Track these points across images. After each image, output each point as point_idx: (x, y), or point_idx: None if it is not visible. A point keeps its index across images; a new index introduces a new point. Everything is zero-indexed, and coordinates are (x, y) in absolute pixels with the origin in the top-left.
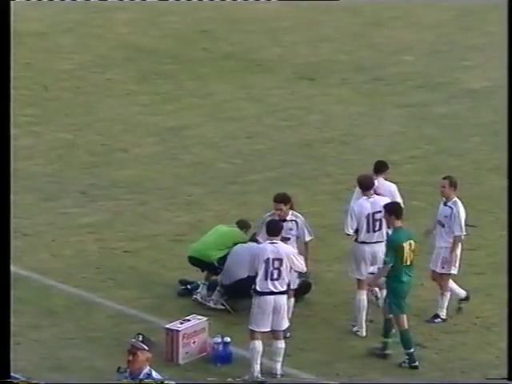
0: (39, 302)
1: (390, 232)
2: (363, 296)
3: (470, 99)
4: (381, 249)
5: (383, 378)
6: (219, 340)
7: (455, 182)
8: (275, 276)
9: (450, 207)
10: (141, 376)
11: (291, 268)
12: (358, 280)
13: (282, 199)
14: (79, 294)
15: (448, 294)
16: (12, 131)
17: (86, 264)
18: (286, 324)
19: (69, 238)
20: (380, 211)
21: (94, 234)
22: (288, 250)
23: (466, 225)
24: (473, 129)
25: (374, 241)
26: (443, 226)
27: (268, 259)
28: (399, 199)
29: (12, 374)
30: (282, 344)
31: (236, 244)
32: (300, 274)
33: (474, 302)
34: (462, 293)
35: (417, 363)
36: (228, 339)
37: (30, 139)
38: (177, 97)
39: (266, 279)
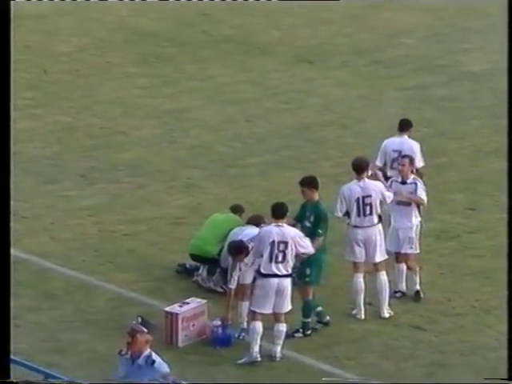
0: (38, 285)
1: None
2: (360, 279)
3: (470, 82)
4: (373, 232)
5: (381, 360)
6: (218, 323)
7: (414, 159)
8: (280, 259)
9: (413, 183)
10: (141, 358)
11: (297, 251)
12: (354, 263)
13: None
14: (78, 277)
15: (418, 269)
16: (11, 114)
17: (86, 247)
18: (288, 307)
19: (68, 220)
20: (370, 195)
21: (93, 216)
22: (293, 233)
23: (466, 208)
24: (472, 111)
25: (366, 225)
26: (409, 204)
27: (273, 242)
28: (420, 159)
29: (12, 357)
30: (283, 327)
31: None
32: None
33: (474, 284)
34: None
35: (310, 332)
36: (227, 323)
37: (29, 122)
38: (176, 80)
39: (271, 262)
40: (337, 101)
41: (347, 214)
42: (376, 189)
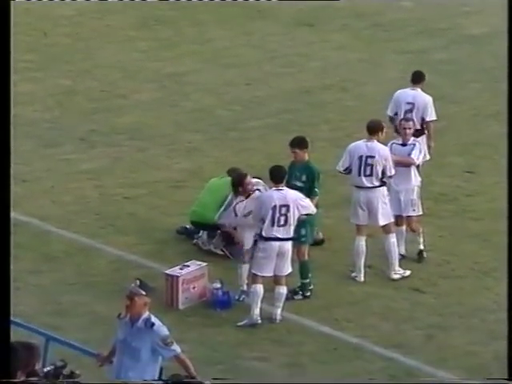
0: (39, 248)
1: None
2: (362, 242)
3: (470, 45)
4: (375, 195)
5: (381, 322)
6: (218, 285)
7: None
8: (282, 222)
9: (413, 144)
10: (140, 321)
11: (299, 213)
12: (357, 225)
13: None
14: (79, 240)
15: (421, 230)
16: (11, 77)
17: (86, 210)
18: (288, 269)
19: (68, 184)
20: (374, 157)
21: (93, 180)
22: (295, 196)
23: (465, 171)
24: (472, 75)
25: (366, 186)
26: (407, 165)
27: (275, 206)
28: (432, 113)
29: (12, 319)
30: (283, 289)
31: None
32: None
33: (473, 247)
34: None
35: (309, 293)
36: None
37: (29, 85)
38: (176, 43)
39: (273, 225)
40: (337, 64)
41: (349, 171)
42: (382, 153)
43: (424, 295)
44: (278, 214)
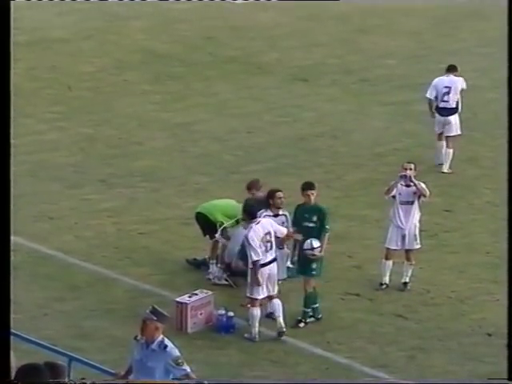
0: (64, 278)
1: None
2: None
3: None
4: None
5: (368, 345)
6: (223, 312)
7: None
8: (269, 247)
9: (414, 184)
10: (154, 343)
11: (277, 235)
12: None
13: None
14: (99, 271)
15: (414, 262)
16: (39, 127)
17: (105, 244)
18: (276, 287)
19: (90, 221)
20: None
21: (112, 217)
22: (269, 222)
23: (443, 210)
24: None
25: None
26: (412, 203)
27: (263, 235)
28: (457, 94)
29: (39, 341)
30: (277, 300)
31: (238, 219)
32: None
33: (450, 277)
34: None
35: (309, 320)
36: (231, 313)
37: (55, 133)
38: (186, 96)
39: (266, 252)
40: (328, 114)
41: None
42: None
43: (407, 321)
44: (265, 242)
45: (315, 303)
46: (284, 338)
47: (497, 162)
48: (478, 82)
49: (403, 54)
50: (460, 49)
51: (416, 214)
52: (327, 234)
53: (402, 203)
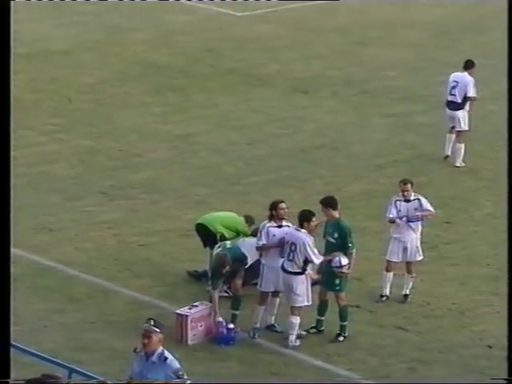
0: (64, 290)
1: (342, 223)
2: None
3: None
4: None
5: (368, 357)
6: (223, 324)
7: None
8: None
9: (416, 199)
10: (154, 355)
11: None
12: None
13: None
14: (99, 283)
15: (415, 275)
16: (40, 138)
17: (106, 256)
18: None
19: (90, 233)
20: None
21: (112, 229)
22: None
23: (443, 222)
24: None
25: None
26: (413, 220)
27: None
28: (472, 90)
29: (39, 353)
30: (296, 319)
31: (238, 231)
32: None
33: (450, 290)
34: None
35: (346, 334)
36: (231, 325)
37: (55, 145)
38: (186, 108)
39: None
40: (328, 126)
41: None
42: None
43: (407, 333)
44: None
45: (346, 318)
46: (283, 350)
47: (497, 174)
48: (478, 93)
49: (403, 65)
50: (460, 61)
51: (418, 227)
52: (353, 252)
53: (403, 217)
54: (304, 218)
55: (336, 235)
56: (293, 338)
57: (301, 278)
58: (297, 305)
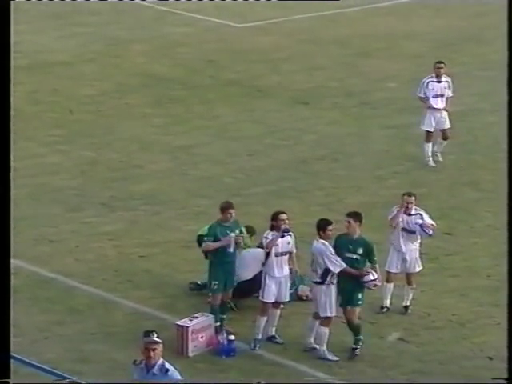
0: (64, 301)
1: (366, 238)
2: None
3: None
4: None
5: (369, 368)
6: (224, 335)
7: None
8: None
9: (418, 213)
10: (155, 367)
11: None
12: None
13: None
14: (100, 294)
15: (415, 286)
16: (40, 150)
17: (106, 267)
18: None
19: (90, 244)
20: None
21: (113, 240)
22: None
23: (444, 233)
24: (449, 148)
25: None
26: (413, 232)
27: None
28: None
29: (40, 365)
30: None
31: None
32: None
33: (451, 301)
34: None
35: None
36: (232, 337)
37: (56, 156)
38: (187, 119)
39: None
40: (329, 137)
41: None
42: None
43: (408, 344)
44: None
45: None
46: (285, 361)
47: (497, 185)
48: (479, 105)
49: (404, 77)
50: (460, 72)
51: (417, 239)
52: (376, 265)
53: (403, 229)
54: (319, 228)
55: (361, 251)
56: (323, 349)
57: (322, 288)
58: (321, 315)
